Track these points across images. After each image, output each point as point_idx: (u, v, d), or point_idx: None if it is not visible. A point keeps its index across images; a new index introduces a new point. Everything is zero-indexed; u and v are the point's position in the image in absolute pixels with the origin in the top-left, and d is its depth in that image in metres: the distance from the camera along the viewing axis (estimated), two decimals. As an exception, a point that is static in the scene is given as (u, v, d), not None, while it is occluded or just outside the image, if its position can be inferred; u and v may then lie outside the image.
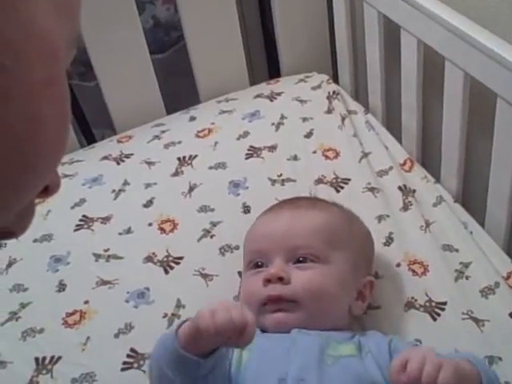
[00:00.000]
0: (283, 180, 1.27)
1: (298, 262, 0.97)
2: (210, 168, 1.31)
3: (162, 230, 1.21)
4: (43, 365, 1.03)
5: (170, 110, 1.54)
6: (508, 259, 1.13)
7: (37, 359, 1.03)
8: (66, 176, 1.31)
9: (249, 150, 1.34)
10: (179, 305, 1.08)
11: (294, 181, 1.27)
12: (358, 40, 1.51)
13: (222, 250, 1.16)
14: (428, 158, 1.37)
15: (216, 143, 1.36)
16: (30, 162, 0.36)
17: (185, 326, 0.83)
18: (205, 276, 1.12)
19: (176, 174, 1.31)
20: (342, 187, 1.26)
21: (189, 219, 1.22)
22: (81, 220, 1.24)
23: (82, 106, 1.66)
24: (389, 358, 0.89)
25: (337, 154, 1.32)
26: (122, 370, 1.01)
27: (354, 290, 0.98)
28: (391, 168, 1.29)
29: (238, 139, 1.37)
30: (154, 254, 1.16)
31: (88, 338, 1.06)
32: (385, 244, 1.14)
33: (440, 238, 1.15)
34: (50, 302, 1.12)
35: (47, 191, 0.42)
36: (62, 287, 1.13)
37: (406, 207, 1.21)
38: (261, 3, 1.71)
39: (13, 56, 0.32)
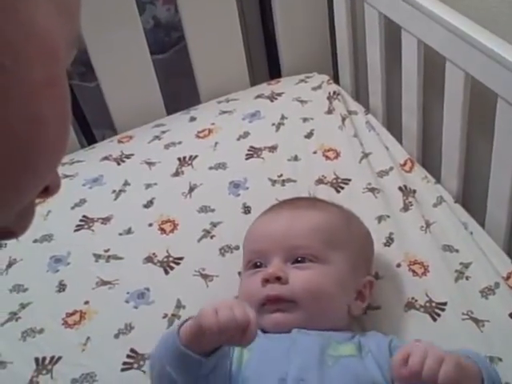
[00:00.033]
0: (283, 180, 1.27)
1: (297, 261, 0.97)
2: (211, 168, 1.31)
3: (163, 230, 1.21)
4: (43, 365, 1.03)
5: (171, 110, 1.54)
6: (508, 260, 1.13)
7: (37, 359, 1.03)
8: (66, 176, 1.31)
9: (249, 150, 1.34)
10: (179, 305, 1.08)
11: (294, 181, 1.27)
12: (359, 40, 1.51)
13: (222, 251, 1.16)
14: (428, 158, 1.37)
15: (216, 143, 1.36)
16: (31, 162, 0.36)
17: (187, 324, 0.83)
18: (205, 276, 1.12)
19: (176, 174, 1.31)
20: (343, 187, 1.26)
21: (189, 219, 1.22)
22: (81, 220, 1.24)
23: (83, 106, 1.66)
24: (389, 358, 0.89)
25: (337, 155, 1.32)
26: (122, 370, 1.01)
27: (353, 290, 0.98)
28: (391, 168, 1.29)
29: (239, 139, 1.37)
30: (154, 254, 1.16)
31: (88, 338, 1.06)
32: (385, 244, 1.14)
33: (440, 238, 1.15)
34: (50, 302, 1.12)
35: (47, 191, 0.42)
36: (62, 287, 1.13)
37: (406, 207, 1.21)
38: (261, 3, 1.71)
39: (13, 56, 0.32)
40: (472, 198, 1.28)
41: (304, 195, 1.20)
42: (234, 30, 1.52)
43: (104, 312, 1.09)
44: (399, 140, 1.38)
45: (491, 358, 0.96)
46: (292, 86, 1.51)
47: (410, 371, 0.76)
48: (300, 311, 0.93)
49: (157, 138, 1.42)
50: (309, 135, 1.36)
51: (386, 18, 1.30)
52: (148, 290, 1.11)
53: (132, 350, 1.03)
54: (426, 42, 1.18)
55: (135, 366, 1.01)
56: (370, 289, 1.01)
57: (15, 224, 0.41)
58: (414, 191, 1.24)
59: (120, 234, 1.21)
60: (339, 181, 1.27)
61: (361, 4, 1.39)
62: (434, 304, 1.05)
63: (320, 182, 1.27)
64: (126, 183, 1.31)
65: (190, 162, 1.33)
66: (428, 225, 1.17)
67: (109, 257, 1.17)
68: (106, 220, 1.24)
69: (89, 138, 1.68)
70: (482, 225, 1.20)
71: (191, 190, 1.27)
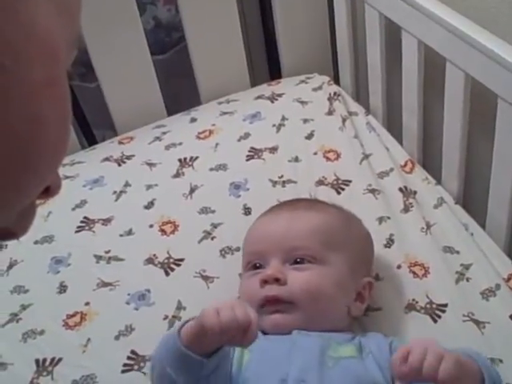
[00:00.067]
0: (284, 181, 1.27)
1: (296, 263, 0.97)
2: (211, 169, 1.31)
3: (163, 231, 1.21)
4: (44, 366, 1.03)
5: (171, 111, 1.54)
6: (509, 261, 1.13)
7: (37, 361, 1.03)
8: (66, 177, 1.31)
9: (249, 151, 1.34)
10: (180, 307, 1.08)
11: (294, 182, 1.27)
12: (359, 41, 1.51)
13: (223, 252, 1.16)
14: (429, 159, 1.37)
15: (217, 144, 1.36)
16: (31, 163, 0.36)
17: (188, 325, 0.83)
18: (205, 278, 1.12)
19: (177, 175, 1.31)
20: (343, 189, 1.26)
21: (189, 221, 1.22)
22: (82, 221, 1.24)
23: (83, 107, 1.66)
24: (390, 358, 0.89)
25: (338, 156, 1.32)
26: (123, 371, 1.01)
27: (352, 291, 0.98)
28: (392, 169, 1.29)
29: (239, 141, 1.37)
30: (154, 255, 1.16)
31: (89, 339, 1.06)
32: (385, 246, 1.14)
33: (441, 239, 1.15)
34: (50, 303, 1.12)
35: (48, 192, 0.42)
36: (62, 289, 1.13)
37: (406, 209, 1.21)
38: (262, 4, 1.71)
39: (13, 56, 0.32)
40: (473, 199, 1.28)
41: (304, 196, 1.20)
42: (234, 30, 1.52)
43: (105, 313, 1.09)
44: (399, 141, 1.38)
45: (492, 360, 0.96)
46: (292, 87, 1.50)
47: (409, 368, 0.76)
48: (299, 312, 0.93)
49: (157, 138, 1.42)
50: (309, 136, 1.36)
51: (387, 19, 1.30)
52: (149, 291, 1.11)
53: (132, 352, 1.03)
54: (426, 43, 1.18)
55: (136, 367, 1.01)
56: (370, 290, 1.01)
57: (16, 224, 0.41)
58: (415, 192, 1.24)
59: (121, 235, 1.21)
60: (340, 182, 1.27)
61: (361, 4, 1.39)
62: (434, 305, 1.05)
63: (320, 183, 1.27)
64: (127, 184, 1.31)
65: (190, 163, 1.33)
66: (428, 226, 1.17)
67: (109, 258, 1.17)
68: (106, 221, 1.24)
69: (89, 138, 1.68)
70: (483, 226, 1.19)
71: (192, 191, 1.27)
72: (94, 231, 1.22)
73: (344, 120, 1.39)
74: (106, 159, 1.38)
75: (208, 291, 1.11)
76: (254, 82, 1.61)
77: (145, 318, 1.08)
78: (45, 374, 1.02)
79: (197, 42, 1.49)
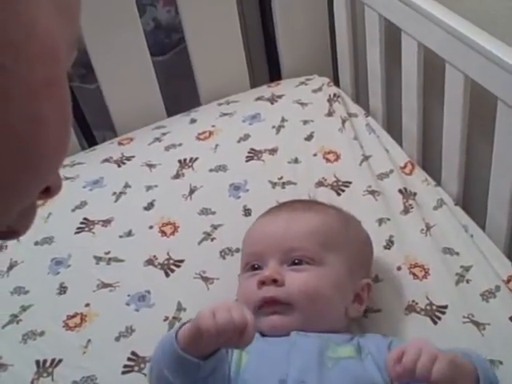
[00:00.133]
0: (284, 183, 1.27)
1: (294, 264, 0.97)
2: (211, 171, 1.31)
3: (163, 232, 1.21)
4: (44, 368, 1.03)
5: (171, 112, 1.54)
6: (509, 263, 1.13)
7: (37, 362, 1.03)
8: (66, 178, 1.31)
9: (249, 152, 1.34)
10: (180, 308, 1.09)
11: (294, 184, 1.27)
12: (359, 42, 1.51)
13: (223, 253, 1.16)
14: (428, 160, 1.37)
15: (217, 146, 1.37)
16: (32, 163, 0.36)
17: (185, 327, 0.84)
18: (205, 279, 1.13)
19: (177, 176, 1.31)
20: (343, 190, 1.26)
21: (189, 222, 1.22)
22: (82, 223, 1.24)
23: (83, 108, 1.66)
24: (388, 359, 0.89)
25: (337, 157, 1.32)
26: (123, 373, 1.01)
27: (350, 293, 0.98)
28: (392, 171, 1.29)
29: (239, 142, 1.37)
30: (154, 256, 1.16)
31: (89, 340, 1.06)
32: (385, 247, 1.14)
33: (440, 241, 1.15)
34: (50, 304, 1.12)
35: (49, 192, 0.42)
36: (62, 290, 1.13)
37: (406, 210, 1.21)
38: (261, 6, 1.71)
39: (13, 56, 0.33)
40: (472, 200, 1.28)
41: (304, 198, 1.20)
42: (234, 31, 1.52)
43: (105, 314, 1.09)
44: (399, 142, 1.38)
45: (492, 362, 0.96)
46: (292, 89, 1.51)
47: (403, 369, 0.77)
48: (297, 313, 0.93)
49: (157, 139, 1.42)
50: (309, 137, 1.36)
51: (386, 21, 1.30)
52: (149, 292, 1.11)
53: (133, 353, 1.03)
54: (426, 44, 1.18)
55: (136, 368, 1.01)
56: (368, 292, 1.01)
57: (18, 223, 0.41)
58: (415, 194, 1.24)
59: (120, 237, 1.21)
60: (339, 183, 1.27)
61: (361, 6, 1.39)
62: (434, 307, 1.05)
63: (320, 184, 1.27)
64: (127, 185, 1.31)
65: (190, 164, 1.33)
66: (428, 227, 1.17)
67: (109, 259, 1.17)
68: (106, 222, 1.24)
69: (89, 139, 1.68)
70: (483, 227, 1.20)
71: (192, 192, 1.27)
72: (93, 232, 1.22)
73: (344, 121, 1.39)
74: (106, 160, 1.38)
75: (208, 292, 1.11)
76: (254, 84, 1.61)
77: (145, 319, 1.08)
78: (45, 375, 1.02)
79: (196, 43, 1.49)
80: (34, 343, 1.06)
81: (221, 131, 1.40)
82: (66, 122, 0.38)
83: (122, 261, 1.17)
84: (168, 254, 1.17)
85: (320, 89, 1.49)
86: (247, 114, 1.44)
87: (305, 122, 1.40)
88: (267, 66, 1.80)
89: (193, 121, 1.46)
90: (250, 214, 1.21)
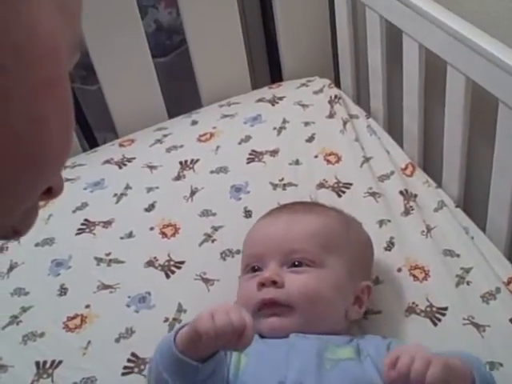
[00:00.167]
0: (285, 184, 1.27)
1: (294, 266, 0.97)
2: (212, 172, 1.31)
3: (164, 234, 1.21)
4: (44, 369, 1.03)
5: (172, 113, 1.54)
6: (509, 264, 1.13)
7: (37, 363, 1.03)
8: (67, 180, 1.31)
9: (250, 154, 1.34)
10: (180, 309, 1.08)
11: (295, 185, 1.27)
12: (360, 44, 1.51)
13: (224, 255, 1.16)
14: (429, 162, 1.37)
15: (218, 147, 1.37)
16: (35, 163, 0.36)
17: (183, 330, 0.84)
18: (206, 281, 1.13)
19: (178, 178, 1.31)
20: (344, 192, 1.26)
21: (190, 223, 1.22)
22: (82, 224, 1.24)
23: (84, 109, 1.66)
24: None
25: (338, 159, 1.32)
26: (123, 374, 1.01)
27: (350, 295, 0.98)
28: (393, 173, 1.29)
29: (240, 143, 1.37)
30: (155, 258, 1.16)
31: (89, 342, 1.06)
32: (386, 249, 1.14)
33: (441, 242, 1.15)
34: (51, 305, 1.12)
35: (51, 193, 0.42)
36: (63, 291, 1.13)
37: (407, 212, 1.21)
38: (262, 7, 1.71)
39: (14, 57, 0.33)
40: (473, 202, 1.28)
41: (305, 199, 1.20)
42: (235, 33, 1.52)
43: (105, 316, 1.09)
44: (400, 144, 1.38)
45: (492, 363, 0.96)
46: (293, 90, 1.51)
47: (398, 374, 0.77)
48: (296, 315, 0.93)
49: (158, 141, 1.42)
50: (310, 139, 1.36)
51: (387, 22, 1.30)
52: (149, 294, 1.11)
53: (133, 354, 1.03)
54: (427, 46, 1.18)
55: (136, 370, 1.01)
56: (368, 294, 1.00)
57: (21, 223, 0.41)
58: (415, 195, 1.24)
59: (121, 238, 1.21)
60: (340, 185, 1.27)
61: (362, 8, 1.39)
62: (434, 309, 1.05)
63: (321, 186, 1.27)
64: (128, 187, 1.31)
65: (191, 166, 1.33)
66: (429, 229, 1.17)
67: (110, 261, 1.17)
68: (107, 224, 1.24)
69: (90, 141, 1.68)
70: (483, 229, 1.19)
71: (192, 193, 1.27)
72: (94, 234, 1.22)
73: (345, 123, 1.39)
74: (107, 162, 1.38)
75: (208, 294, 1.11)
76: (255, 85, 1.61)
77: (145, 321, 1.08)
78: (45, 376, 1.02)
79: (198, 44, 1.49)
80: (34, 344, 1.06)
81: (222, 133, 1.40)
82: (68, 123, 0.38)
83: (122, 262, 1.17)
84: (169, 255, 1.17)
85: (321, 90, 1.49)
86: (248, 115, 1.44)
87: (306, 124, 1.40)
88: (268, 67, 1.80)
89: (194, 122, 1.46)
90: (250, 216, 1.21)
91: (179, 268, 1.15)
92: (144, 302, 1.10)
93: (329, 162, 1.32)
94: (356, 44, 1.51)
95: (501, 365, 0.96)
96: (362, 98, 1.57)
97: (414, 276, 1.10)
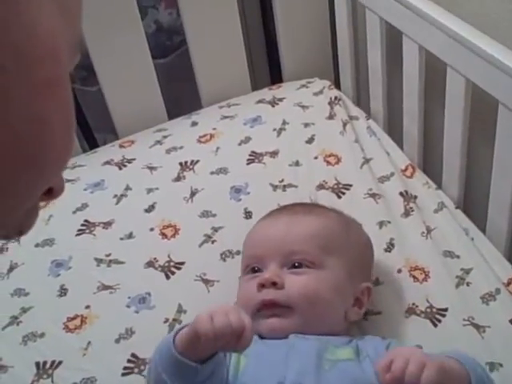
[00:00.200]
0: (285, 186, 1.27)
1: (294, 267, 0.97)
2: (212, 173, 1.31)
3: (164, 235, 1.21)
4: (44, 369, 1.03)
5: (172, 114, 1.54)
6: (509, 265, 1.13)
7: (37, 364, 1.03)
8: (68, 181, 1.30)
9: (250, 155, 1.34)
10: (180, 310, 1.09)
11: (295, 186, 1.27)
12: (360, 45, 1.51)
13: (224, 256, 1.16)
14: (429, 163, 1.37)
15: (218, 148, 1.37)
16: (36, 163, 0.36)
17: (182, 331, 0.84)
18: (206, 281, 1.13)
19: (178, 179, 1.31)
20: (344, 193, 1.26)
21: (190, 224, 1.22)
22: (82, 225, 1.24)
23: (84, 110, 1.66)
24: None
25: (338, 160, 1.32)
26: (123, 374, 1.01)
27: (350, 296, 0.98)
28: (392, 174, 1.29)
29: (240, 144, 1.37)
30: (155, 259, 1.16)
31: (89, 342, 1.06)
32: (386, 250, 1.14)
33: (441, 244, 1.15)
34: (51, 306, 1.12)
35: (51, 194, 0.42)
36: (63, 292, 1.13)
37: (407, 213, 1.21)
38: (263, 8, 1.71)
39: (14, 57, 0.33)
40: (473, 203, 1.28)
41: (305, 201, 1.20)
42: (235, 34, 1.52)
43: (105, 316, 1.09)
44: (400, 145, 1.38)
45: (492, 364, 0.96)
46: (293, 91, 1.51)
47: (392, 377, 0.77)
48: (296, 316, 0.93)
49: (158, 142, 1.42)
50: (310, 140, 1.36)
51: (387, 24, 1.30)
52: (149, 294, 1.11)
53: (133, 355, 1.03)
54: (427, 48, 1.18)
55: (136, 370, 1.01)
56: (368, 295, 1.00)
57: (21, 223, 0.42)
58: (415, 197, 1.24)
59: (121, 239, 1.21)
60: (340, 186, 1.27)
61: (362, 9, 1.39)
62: (434, 310, 1.05)
63: (321, 187, 1.27)
64: (128, 188, 1.31)
65: (191, 167, 1.33)
66: (429, 230, 1.17)
67: (110, 261, 1.17)
68: (107, 224, 1.24)
69: (90, 142, 1.68)
70: (483, 231, 1.20)
71: (192, 194, 1.27)
72: (94, 234, 1.22)
73: (345, 124, 1.39)
74: (107, 163, 1.38)
75: (208, 295, 1.11)
76: (255, 86, 1.61)
77: (145, 321, 1.08)
78: (45, 376, 1.02)
79: (198, 45, 1.49)
80: (34, 345, 1.06)
81: (222, 134, 1.40)
82: (69, 123, 0.38)
83: (122, 263, 1.17)
84: (169, 256, 1.17)
85: (321, 92, 1.49)
86: (248, 116, 1.44)
87: (306, 125, 1.40)
88: (268, 68, 1.80)
89: (194, 123, 1.46)
90: (250, 217, 1.21)
91: (179, 269, 1.15)
92: (144, 302, 1.10)
93: (329, 163, 1.32)
94: (356, 45, 1.51)
95: (501, 365, 0.96)
96: (361, 99, 1.57)
97: (414, 277, 1.10)
